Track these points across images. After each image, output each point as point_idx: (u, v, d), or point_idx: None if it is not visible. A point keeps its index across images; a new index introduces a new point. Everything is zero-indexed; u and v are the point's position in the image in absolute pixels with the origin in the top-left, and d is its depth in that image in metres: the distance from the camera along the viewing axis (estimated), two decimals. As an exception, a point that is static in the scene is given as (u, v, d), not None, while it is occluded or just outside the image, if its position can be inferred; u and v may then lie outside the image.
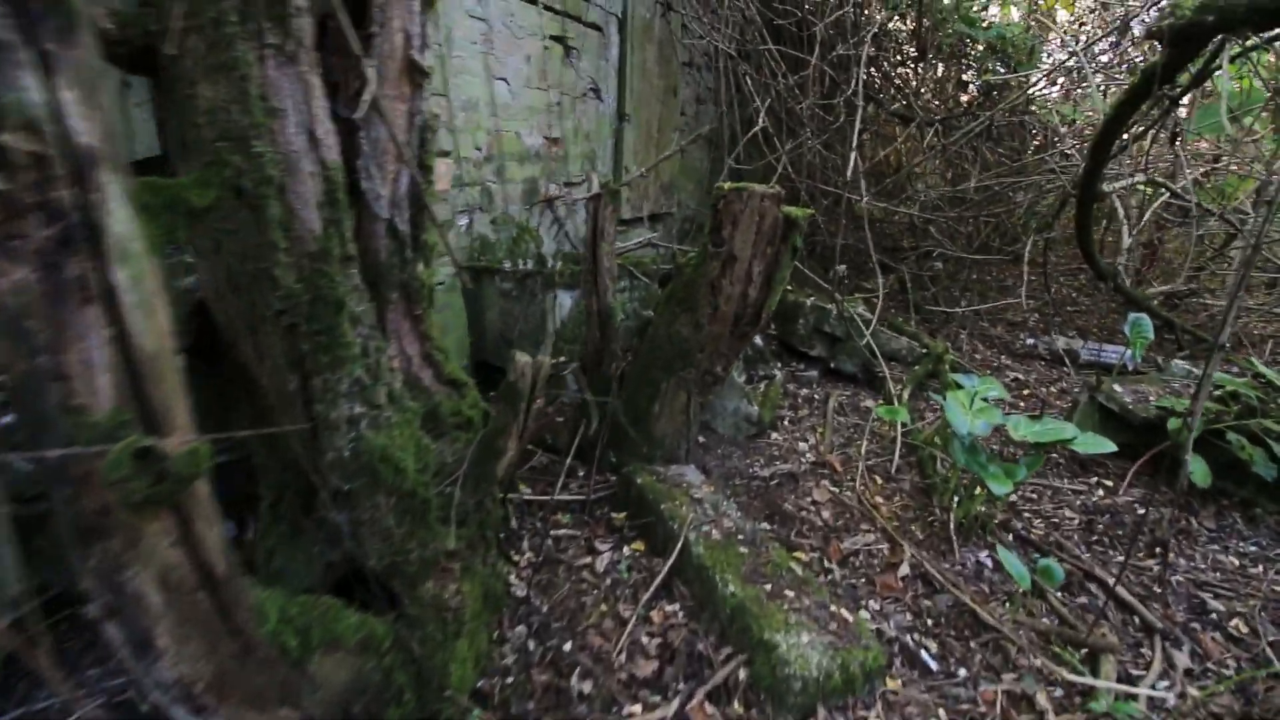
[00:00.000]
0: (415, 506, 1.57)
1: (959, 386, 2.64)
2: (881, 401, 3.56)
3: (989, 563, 2.34)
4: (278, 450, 1.67)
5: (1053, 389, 4.02)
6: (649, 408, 2.74)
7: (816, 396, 3.80)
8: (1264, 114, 4.59)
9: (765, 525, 2.49)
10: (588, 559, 2.27)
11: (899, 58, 6.51)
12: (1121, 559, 2.31)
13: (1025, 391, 3.96)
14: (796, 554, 2.25)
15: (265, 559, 1.74)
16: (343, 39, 1.39)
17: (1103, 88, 4.97)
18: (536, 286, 2.95)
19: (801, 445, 3.15)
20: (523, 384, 1.75)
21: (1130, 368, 3.50)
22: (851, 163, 3.06)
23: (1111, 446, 2.22)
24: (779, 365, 4.12)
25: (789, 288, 4.58)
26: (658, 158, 4.29)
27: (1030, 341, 4.59)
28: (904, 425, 3.09)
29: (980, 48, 5.58)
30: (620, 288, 3.49)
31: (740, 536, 2.14)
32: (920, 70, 6.86)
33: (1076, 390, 3.50)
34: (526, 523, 2.49)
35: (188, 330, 1.67)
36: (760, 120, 3.91)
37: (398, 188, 1.66)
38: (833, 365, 4.04)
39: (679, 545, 2.09)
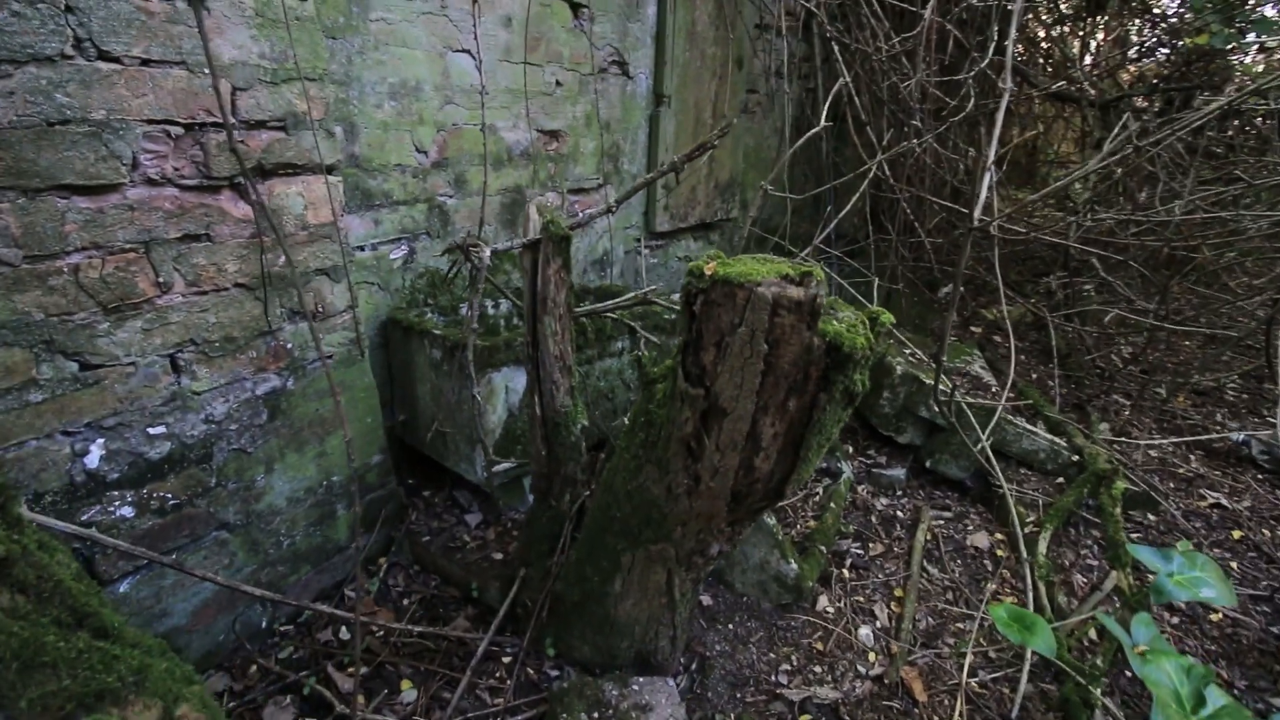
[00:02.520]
0: None
1: (1140, 594, 1.42)
2: (1005, 555, 2.33)
3: None
4: None
5: (1285, 528, 2.59)
6: (604, 585, 1.70)
7: (900, 516, 2.61)
8: None
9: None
10: None
11: (1053, 13, 4.87)
12: None
13: (1235, 534, 2.56)
14: None
15: None
16: None
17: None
18: (466, 362, 1.98)
19: (864, 631, 2.00)
20: None
21: None
22: (987, 172, 1.80)
23: None
24: (849, 452, 2.93)
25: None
26: (681, 158, 3.14)
27: (1239, 437, 3.11)
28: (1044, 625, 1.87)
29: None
30: (614, 350, 2.44)
31: None
32: (1085, 30, 5.18)
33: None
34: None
35: None
36: (845, 102, 2.68)
37: None
38: (929, 464, 2.80)
39: None
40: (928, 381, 2.74)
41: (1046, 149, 6.40)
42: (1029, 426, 2.71)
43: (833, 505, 2.52)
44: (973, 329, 4.68)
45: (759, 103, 4.25)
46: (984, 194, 1.60)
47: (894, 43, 3.06)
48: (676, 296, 3.04)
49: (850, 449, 2.99)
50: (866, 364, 1.06)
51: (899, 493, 2.75)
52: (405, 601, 2.07)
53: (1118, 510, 2.32)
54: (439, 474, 2.47)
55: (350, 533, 2.17)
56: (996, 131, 1.63)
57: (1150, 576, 2.27)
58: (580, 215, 3.19)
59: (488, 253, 1.57)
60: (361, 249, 2.27)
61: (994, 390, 3.31)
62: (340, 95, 2.08)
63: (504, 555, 2.12)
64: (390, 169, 2.28)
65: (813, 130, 2.50)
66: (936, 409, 2.56)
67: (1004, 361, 3.84)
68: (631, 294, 2.15)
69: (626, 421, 1.75)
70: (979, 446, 2.43)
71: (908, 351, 3.33)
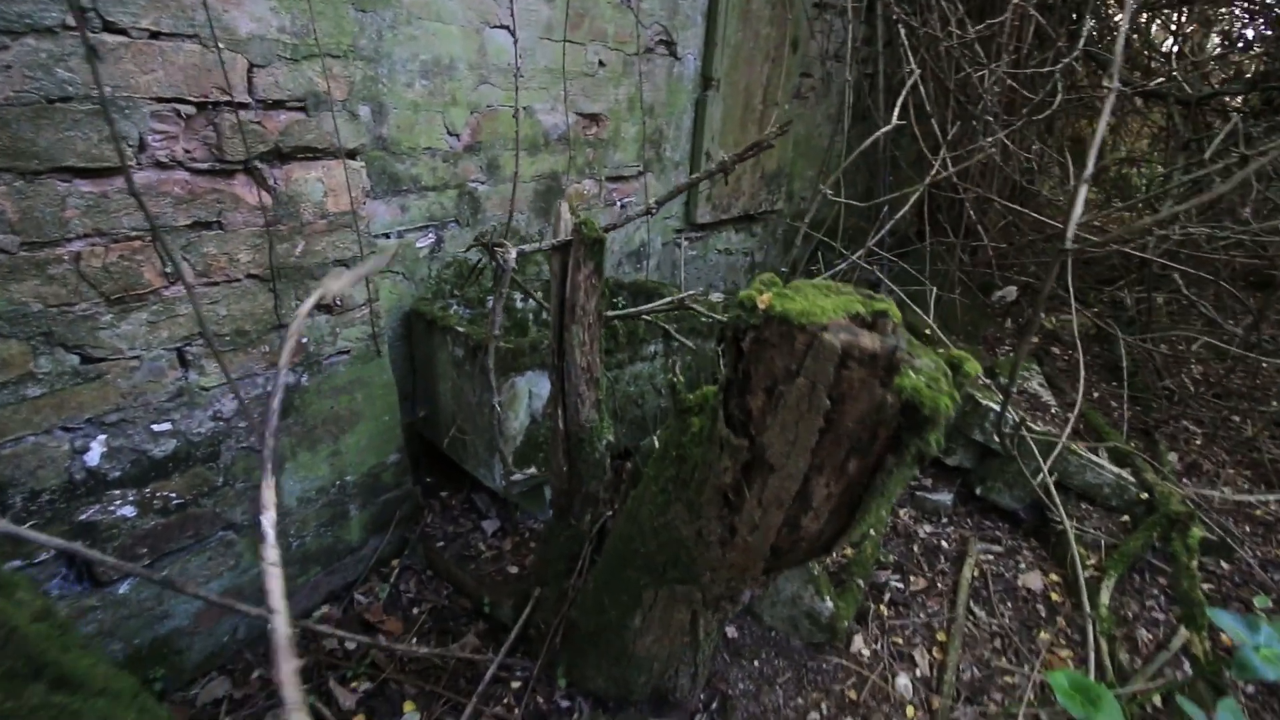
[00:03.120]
0: None
1: (1217, 665, 1.25)
2: (1062, 592, 2.13)
3: None
4: None
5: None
6: (623, 619, 1.58)
7: (945, 546, 2.42)
8: None
9: None
10: None
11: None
12: None
13: (1327, 592, 2.32)
14: None
15: None
16: None
17: None
18: (487, 367, 1.85)
19: (902, 681, 1.85)
20: None
21: None
22: (1084, 187, 1.57)
23: None
24: (891, 476, 2.74)
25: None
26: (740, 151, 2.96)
27: (1330, 478, 2.82)
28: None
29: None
30: (647, 354, 2.29)
31: None
32: (1174, 19, 4.76)
33: None
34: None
35: None
36: (909, 90, 2.46)
37: None
38: (980, 491, 2.60)
39: None
40: (984, 403, 2.53)
41: (1120, 146, 5.97)
42: (1094, 458, 2.48)
43: (872, 532, 2.35)
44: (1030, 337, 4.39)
45: (813, 88, 4.01)
46: (1078, 210, 1.39)
47: (968, 29, 2.79)
48: (716, 297, 2.86)
49: (892, 468, 2.81)
50: (947, 425, 0.89)
51: (944, 520, 2.57)
52: (415, 610, 1.99)
53: (1193, 562, 2.10)
54: (458, 474, 2.37)
55: (363, 533, 2.09)
56: (1097, 141, 1.42)
57: (1224, 635, 2.07)
58: (619, 205, 3.04)
59: (513, 254, 1.43)
60: (387, 236, 2.15)
61: (1053, 410, 3.07)
62: (369, 73, 1.94)
63: (519, 569, 2.01)
64: (419, 152, 2.15)
65: (882, 130, 2.28)
66: (998, 439, 2.36)
67: (1063, 377, 3.58)
68: (668, 299, 1.99)
69: (656, 444, 1.61)
70: (1039, 479, 2.23)
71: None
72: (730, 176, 3.54)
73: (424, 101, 2.11)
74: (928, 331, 3.66)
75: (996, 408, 2.50)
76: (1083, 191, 1.39)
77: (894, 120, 2.16)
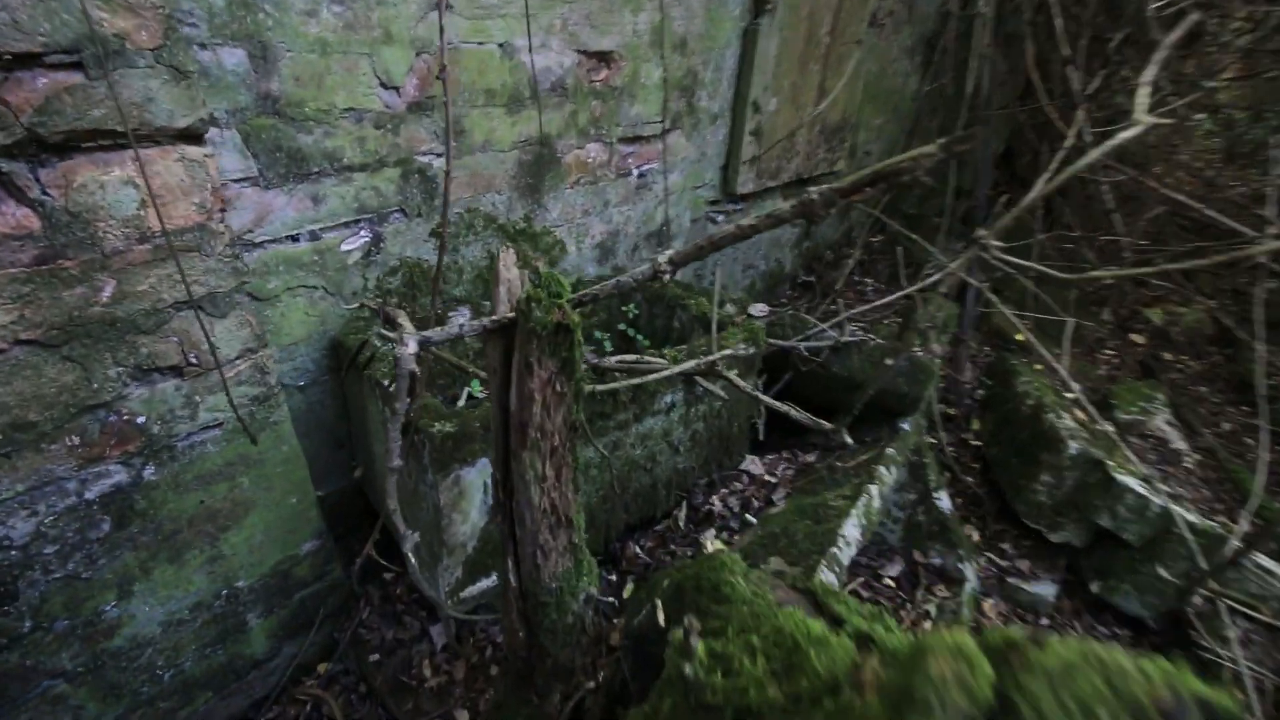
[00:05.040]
0: None
1: None
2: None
3: None
4: None
5: None
6: None
7: (1045, 664, 1.82)
8: None
9: None
10: None
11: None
12: None
13: None
14: None
15: None
16: None
17: None
18: (423, 457, 1.25)
19: None
20: None
21: None
22: None
23: None
24: (974, 544, 2.13)
25: (1017, 367, 2.43)
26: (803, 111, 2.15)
27: None
28: None
29: None
30: (660, 407, 1.67)
31: None
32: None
33: None
34: None
35: None
36: (1025, 21, 1.66)
37: None
38: (1096, 589, 1.98)
39: None
40: (1119, 477, 1.86)
41: None
42: (1267, 561, 1.82)
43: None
44: (1132, 337, 3.63)
45: (890, 12, 3.12)
46: None
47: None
48: (759, 310, 2.18)
49: (976, 536, 2.18)
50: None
51: (1042, 620, 1.96)
52: (337, 755, 1.48)
53: None
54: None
55: (272, 642, 1.57)
56: None
57: None
58: (634, 175, 2.31)
59: (412, 347, 0.79)
60: (294, 239, 1.51)
61: (1187, 462, 2.39)
62: (235, -4, 1.25)
63: (471, 718, 1.48)
64: (336, 116, 1.47)
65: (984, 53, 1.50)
66: (1180, 586, 1.70)
67: (1189, 407, 2.85)
68: (691, 361, 1.34)
69: (667, 582, 1.03)
70: (1192, 586, 1.59)
71: (1069, 393, 2.41)
72: (783, 132, 2.76)
73: (338, 40, 1.42)
74: (1020, 337, 2.93)
75: (1136, 486, 1.84)
76: None
77: (984, 44, 1.39)
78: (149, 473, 1.23)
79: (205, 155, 1.11)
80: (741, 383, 1.27)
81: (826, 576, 1.35)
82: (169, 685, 1.42)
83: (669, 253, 0.80)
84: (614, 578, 1.74)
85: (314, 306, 1.61)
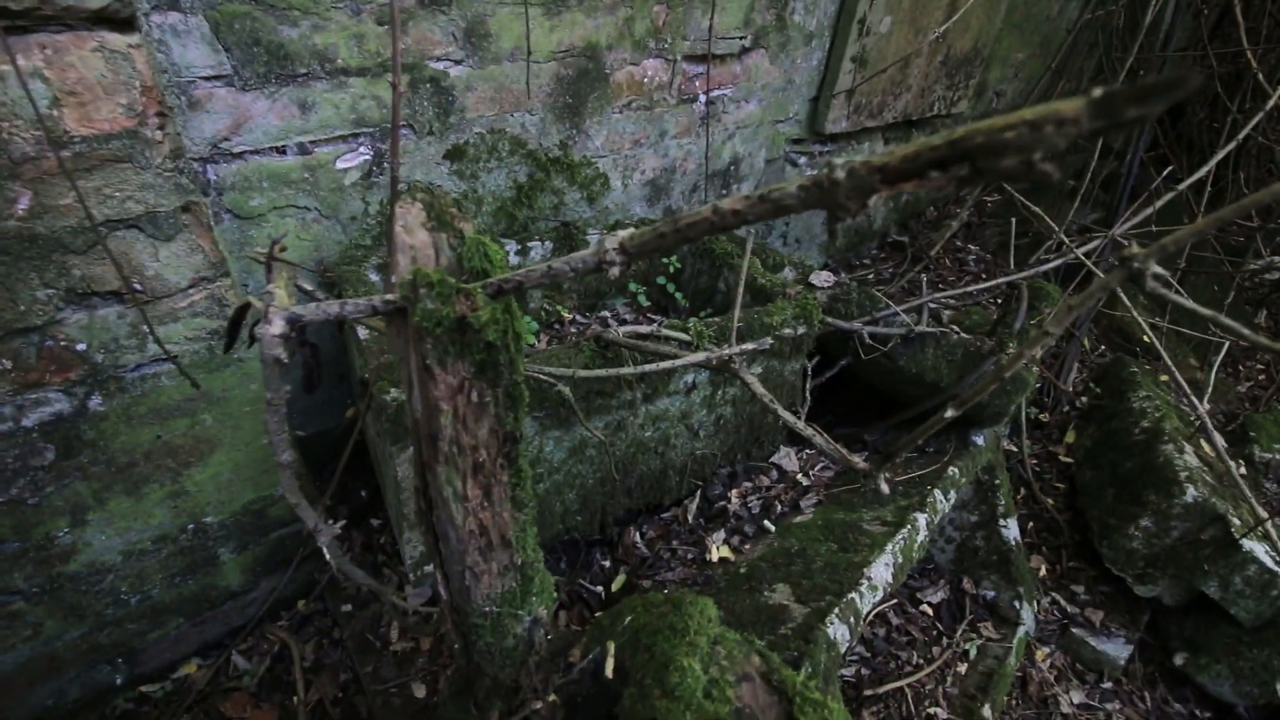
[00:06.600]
0: None
1: None
2: None
3: None
4: None
5: None
6: None
7: (1100, 741, 1.55)
8: None
9: None
10: None
11: None
12: None
13: None
14: None
15: None
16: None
17: None
18: (380, 424, 1.08)
19: None
20: None
21: None
22: None
23: None
24: (1040, 580, 1.82)
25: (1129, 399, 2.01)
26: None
27: None
28: None
29: None
30: (677, 388, 1.45)
31: None
32: None
33: None
34: None
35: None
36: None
37: None
38: (1179, 662, 1.64)
39: None
40: (1245, 545, 1.48)
41: None
42: None
43: (991, 690, 1.51)
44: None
45: (1063, -88, 2.50)
46: None
47: None
48: (788, 274, 1.85)
49: (1044, 571, 1.86)
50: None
51: (1108, 683, 1.66)
52: (295, 699, 1.44)
53: None
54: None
55: (247, 577, 1.52)
56: None
57: None
58: (701, 102, 1.96)
59: (277, 327, 0.59)
60: (280, 151, 1.33)
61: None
62: None
63: (428, 697, 1.38)
64: (327, 6, 1.24)
65: None
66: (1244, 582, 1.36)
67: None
68: (703, 355, 1.08)
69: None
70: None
71: (1193, 413, 1.97)
72: (891, 58, 2.29)
73: (328, -92, 1.16)
74: (1147, 339, 2.43)
75: (1265, 558, 1.46)
76: None
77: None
78: (95, 403, 1.13)
79: (130, 46, 0.92)
80: (759, 388, 1.01)
81: (837, 632, 1.12)
82: (136, 609, 1.39)
83: (621, 234, 0.54)
84: (608, 563, 1.57)
85: (306, 230, 1.44)
